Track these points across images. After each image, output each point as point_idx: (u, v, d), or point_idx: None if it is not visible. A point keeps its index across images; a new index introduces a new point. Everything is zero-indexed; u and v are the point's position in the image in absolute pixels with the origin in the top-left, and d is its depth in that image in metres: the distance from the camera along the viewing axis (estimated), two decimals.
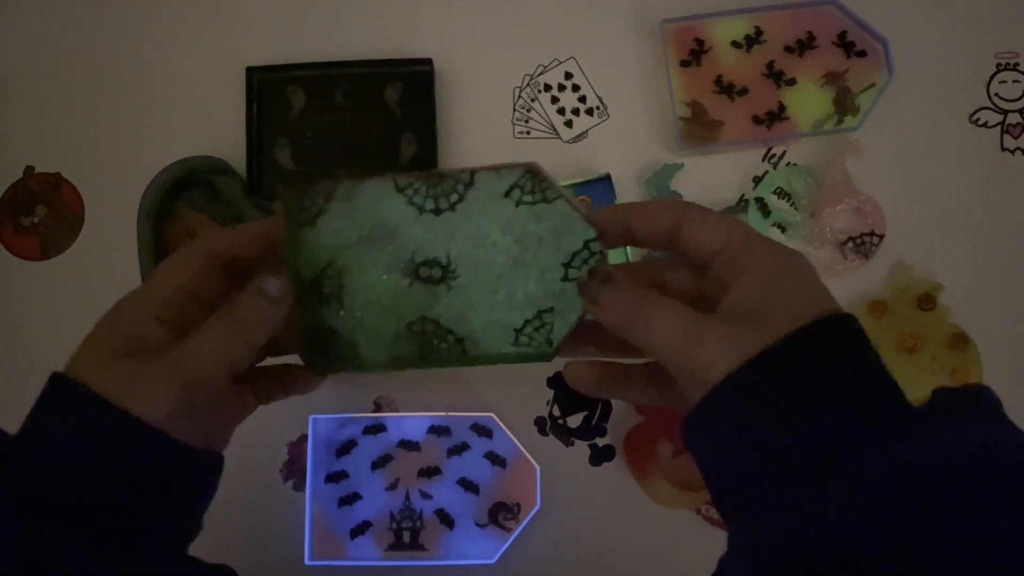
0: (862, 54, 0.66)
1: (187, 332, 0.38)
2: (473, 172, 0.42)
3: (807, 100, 0.66)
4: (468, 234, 0.43)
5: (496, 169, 0.42)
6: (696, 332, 0.33)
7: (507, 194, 0.42)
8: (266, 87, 0.67)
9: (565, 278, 0.42)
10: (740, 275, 0.34)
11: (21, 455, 0.35)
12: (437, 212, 0.43)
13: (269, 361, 0.45)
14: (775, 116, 0.65)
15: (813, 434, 0.30)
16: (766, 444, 0.31)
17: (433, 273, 0.43)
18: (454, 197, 0.43)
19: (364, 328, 0.43)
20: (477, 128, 0.68)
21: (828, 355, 0.32)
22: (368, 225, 0.43)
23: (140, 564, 0.35)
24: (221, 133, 0.67)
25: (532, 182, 0.42)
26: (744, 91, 0.66)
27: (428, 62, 0.66)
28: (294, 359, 0.43)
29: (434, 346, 0.44)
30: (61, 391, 0.36)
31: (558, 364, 0.64)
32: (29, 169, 0.69)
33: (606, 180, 0.64)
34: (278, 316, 0.39)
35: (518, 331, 0.43)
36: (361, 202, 0.43)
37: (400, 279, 0.43)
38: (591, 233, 0.41)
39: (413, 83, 0.66)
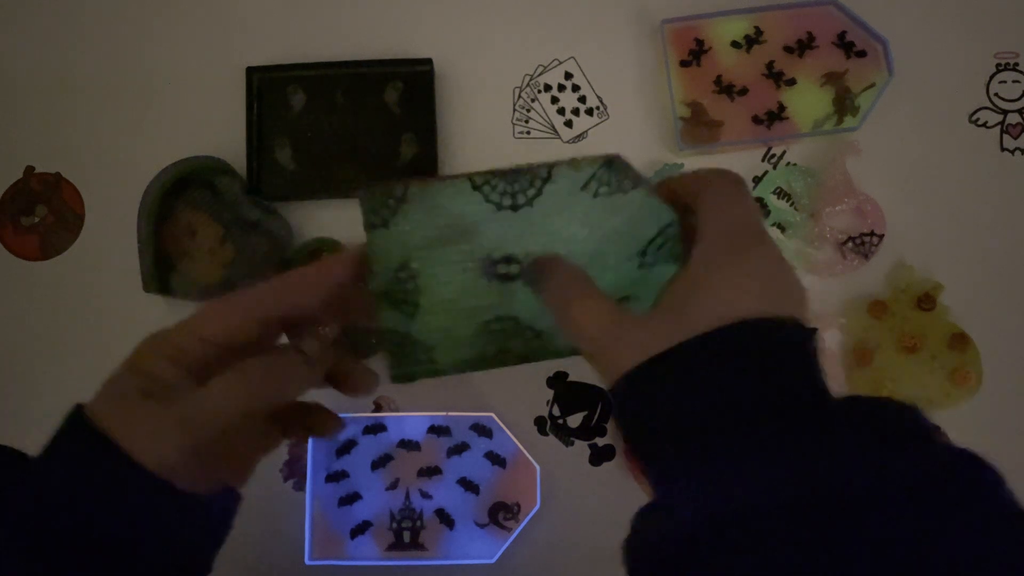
0: (862, 54, 0.66)
1: (209, 376, 0.37)
2: (551, 167, 0.41)
3: (807, 100, 0.66)
4: (546, 229, 0.42)
5: (575, 163, 0.41)
6: (613, 331, 0.35)
7: (584, 187, 0.41)
8: (266, 87, 0.67)
9: (641, 266, 0.42)
10: (689, 261, 0.36)
11: (32, 488, 0.35)
12: (515, 208, 0.41)
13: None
14: (775, 116, 0.65)
15: (682, 425, 0.32)
16: (654, 431, 0.33)
17: (511, 270, 0.42)
18: (531, 192, 0.42)
19: (441, 330, 0.42)
20: (477, 128, 0.68)
21: (719, 357, 0.32)
22: (443, 224, 0.41)
23: None
24: (221, 133, 0.67)
25: (609, 174, 0.41)
26: (744, 91, 0.66)
27: (428, 62, 0.66)
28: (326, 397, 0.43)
29: (513, 343, 0.44)
30: (76, 426, 0.36)
31: (558, 364, 0.65)
32: (29, 169, 0.69)
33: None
34: (312, 375, 0.39)
35: None
36: (435, 201, 0.41)
37: (477, 278, 0.42)
38: (668, 218, 0.41)
39: (413, 83, 0.66)
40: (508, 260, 0.42)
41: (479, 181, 0.41)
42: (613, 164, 0.41)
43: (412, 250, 0.41)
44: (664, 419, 0.32)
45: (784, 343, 0.32)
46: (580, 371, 0.64)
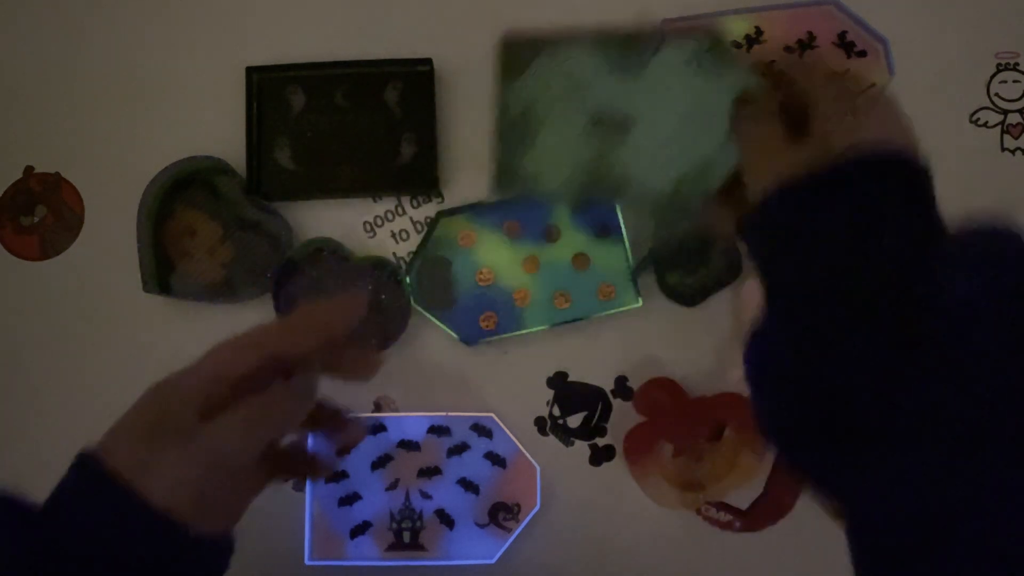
0: (862, 54, 0.66)
1: (214, 414, 0.38)
2: (662, 39, 0.49)
3: None
4: (650, 93, 0.49)
5: (680, 37, 0.48)
6: (770, 151, 0.42)
7: (688, 61, 0.48)
8: (266, 87, 0.67)
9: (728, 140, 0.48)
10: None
11: (43, 528, 0.36)
12: (624, 73, 0.49)
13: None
14: None
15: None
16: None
17: (614, 124, 0.50)
18: (639, 62, 0.49)
19: (548, 163, 0.51)
20: (477, 128, 0.68)
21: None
22: (564, 79, 0.50)
23: None
24: (221, 133, 0.66)
25: (711, 53, 0.48)
26: None
27: (428, 62, 0.66)
28: None
29: (604, 183, 0.51)
30: (86, 467, 0.37)
31: (558, 364, 0.65)
32: (29, 169, 0.69)
33: None
34: (300, 412, 0.41)
35: (680, 178, 0.49)
36: (560, 59, 0.50)
37: (585, 126, 0.50)
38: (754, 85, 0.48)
39: (413, 83, 0.66)
40: (614, 114, 0.50)
41: (600, 46, 0.49)
42: (715, 47, 0.48)
43: (537, 98, 0.50)
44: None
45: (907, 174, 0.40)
46: (580, 371, 0.64)
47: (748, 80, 0.47)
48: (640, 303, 0.63)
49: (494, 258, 0.64)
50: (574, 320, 0.63)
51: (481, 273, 0.64)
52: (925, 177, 0.41)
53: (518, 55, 0.52)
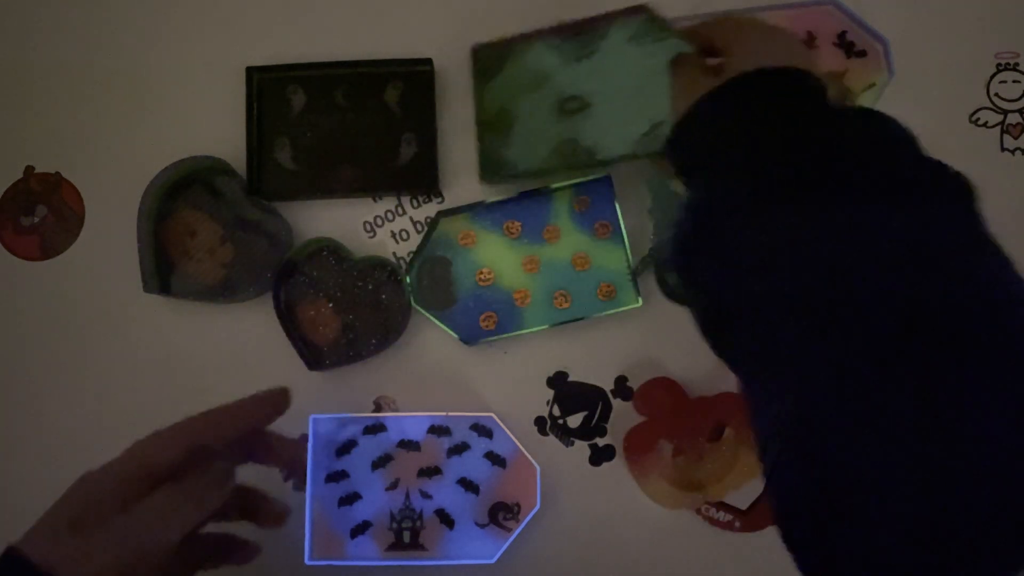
0: (862, 54, 0.66)
1: (131, 504, 0.40)
2: (608, 27, 0.58)
3: None
4: (601, 73, 0.58)
5: (622, 20, 0.57)
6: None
7: (630, 40, 0.57)
8: (266, 87, 0.67)
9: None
10: None
11: None
12: (578, 60, 0.59)
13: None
14: None
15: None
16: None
17: (575, 106, 0.59)
18: (591, 48, 0.58)
19: (523, 150, 0.60)
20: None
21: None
22: (529, 76, 0.60)
23: None
24: (221, 133, 0.66)
25: (648, 26, 0.56)
26: None
27: (428, 62, 0.66)
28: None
29: (573, 157, 0.59)
30: (11, 562, 0.38)
31: (558, 364, 0.65)
32: (29, 169, 0.69)
33: (606, 181, 0.64)
34: (216, 498, 0.43)
35: (636, 141, 0.57)
36: (524, 60, 0.61)
37: (550, 113, 0.60)
38: (689, 50, 0.54)
39: (413, 83, 0.66)
40: (573, 99, 0.59)
41: (555, 42, 0.59)
42: (651, 19, 0.56)
43: (508, 97, 0.61)
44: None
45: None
46: (580, 371, 0.64)
47: (680, 46, 0.54)
48: (640, 303, 0.62)
49: (494, 258, 0.64)
50: (574, 320, 0.63)
51: (481, 273, 0.64)
52: (819, 87, 0.44)
53: (489, 61, 0.62)
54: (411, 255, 0.64)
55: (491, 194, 0.64)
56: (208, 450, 0.44)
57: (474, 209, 0.64)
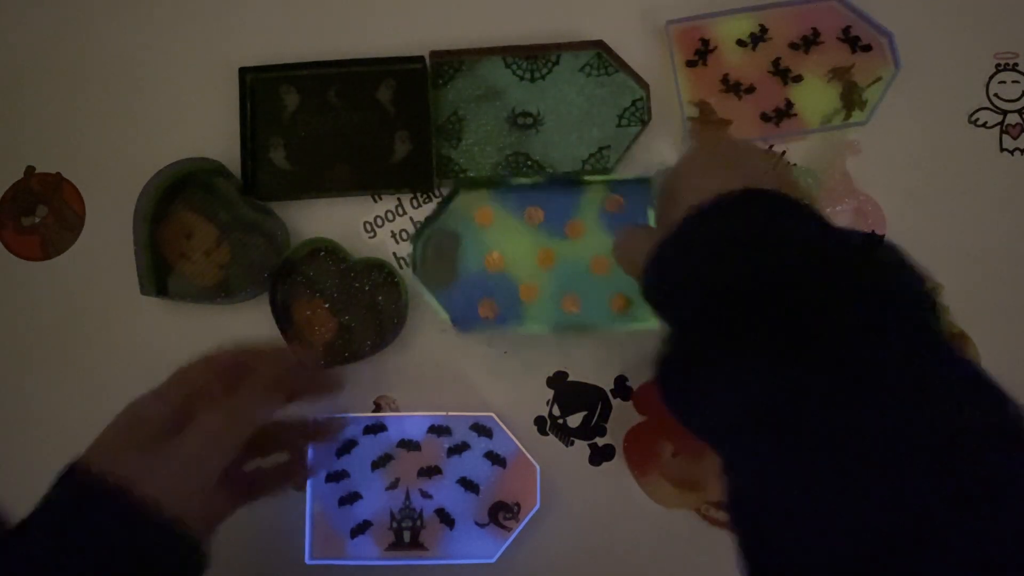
0: (867, 48, 0.66)
1: (183, 426, 0.41)
2: (559, 54, 0.64)
3: (814, 96, 0.66)
4: (553, 95, 0.64)
5: (575, 51, 0.63)
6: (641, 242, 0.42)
7: (581, 69, 0.64)
8: (259, 87, 0.67)
9: (619, 125, 0.63)
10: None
11: (35, 537, 0.37)
12: (532, 80, 0.64)
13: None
14: (783, 113, 0.65)
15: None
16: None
17: (527, 121, 0.63)
18: (544, 70, 0.64)
19: (474, 156, 0.63)
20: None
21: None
22: (483, 88, 0.64)
23: None
24: (215, 134, 0.67)
25: (599, 60, 0.64)
26: (751, 89, 0.66)
27: (421, 60, 0.66)
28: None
29: (522, 170, 0.63)
30: (74, 479, 0.39)
31: (558, 364, 0.65)
32: (30, 169, 0.69)
33: (646, 183, 0.61)
34: (274, 400, 0.45)
35: (584, 160, 0.63)
36: (479, 73, 0.64)
37: (503, 125, 0.64)
38: (639, 94, 0.63)
39: (406, 81, 0.66)
40: (525, 115, 0.64)
41: (509, 61, 0.64)
42: (601, 55, 0.63)
43: (461, 103, 0.63)
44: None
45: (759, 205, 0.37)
46: (580, 371, 0.64)
47: (628, 84, 0.62)
48: (658, 324, 0.54)
49: (508, 243, 0.60)
50: (579, 328, 0.60)
51: (491, 256, 0.60)
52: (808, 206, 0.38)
53: (443, 67, 0.65)
54: (419, 224, 0.62)
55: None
56: (249, 369, 0.45)
57: (497, 186, 0.61)
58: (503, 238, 0.60)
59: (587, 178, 0.60)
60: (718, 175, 0.39)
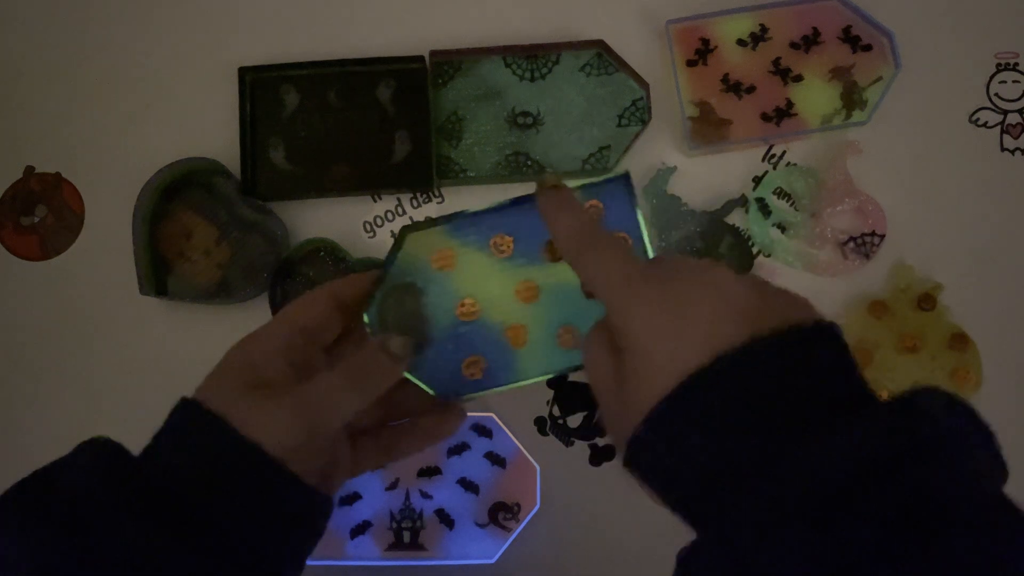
0: (868, 48, 0.66)
1: (308, 373, 0.40)
2: (559, 54, 0.65)
3: (815, 96, 0.66)
4: (553, 95, 0.65)
5: (575, 51, 0.65)
6: (628, 293, 0.33)
7: (582, 68, 0.65)
8: (259, 87, 0.67)
9: (619, 125, 0.65)
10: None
11: (147, 471, 0.36)
12: (532, 79, 0.65)
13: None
14: (783, 113, 0.65)
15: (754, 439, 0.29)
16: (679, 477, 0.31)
17: (527, 121, 0.65)
18: (544, 70, 0.65)
19: (474, 156, 0.64)
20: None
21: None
22: (483, 88, 0.65)
23: None
24: (215, 133, 0.67)
25: (599, 60, 0.65)
26: (751, 89, 0.66)
27: (421, 59, 0.66)
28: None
29: (522, 170, 0.64)
30: (190, 415, 0.37)
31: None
32: (29, 169, 0.69)
33: (623, 181, 0.48)
34: (397, 371, 0.42)
35: (584, 160, 0.64)
36: (479, 72, 0.65)
37: (503, 124, 0.65)
38: (639, 93, 0.64)
39: (406, 81, 0.66)
40: (525, 115, 0.65)
41: (509, 60, 0.65)
42: (601, 55, 0.64)
43: (461, 103, 0.64)
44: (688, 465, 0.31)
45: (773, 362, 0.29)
46: (580, 371, 0.64)
47: (628, 83, 0.63)
48: None
49: (480, 285, 0.48)
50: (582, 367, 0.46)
51: (463, 305, 0.48)
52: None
53: (443, 67, 0.65)
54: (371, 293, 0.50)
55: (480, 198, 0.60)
56: (355, 306, 0.44)
57: (452, 221, 0.47)
58: (473, 280, 0.48)
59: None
60: (681, 313, 0.31)
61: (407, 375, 0.45)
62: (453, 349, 0.47)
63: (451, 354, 0.47)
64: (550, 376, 0.48)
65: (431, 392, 0.46)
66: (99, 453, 0.36)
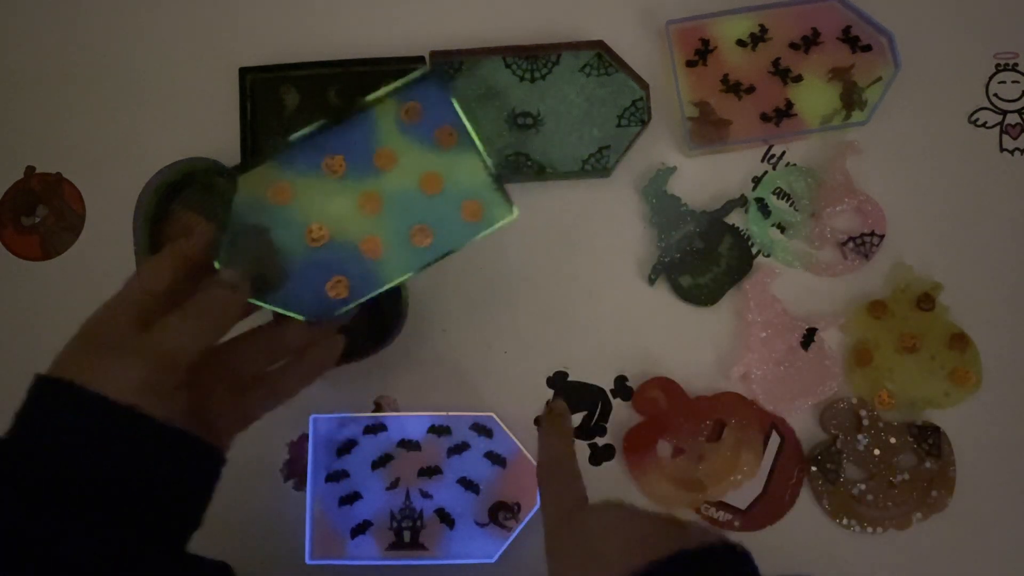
0: (867, 48, 0.66)
1: (152, 322, 0.41)
2: (559, 54, 0.65)
3: (814, 96, 0.66)
4: (553, 95, 0.65)
5: (575, 51, 0.65)
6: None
7: (582, 69, 0.65)
8: (259, 87, 0.67)
9: (619, 125, 0.65)
10: None
11: (13, 450, 0.37)
12: (532, 80, 0.65)
13: None
14: (783, 113, 0.65)
15: None
16: None
17: (527, 121, 0.65)
18: (544, 71, 0.65)
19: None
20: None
21: None
22: (483, 88, 0.65)
23: (132, 550, 0.36)
24: (216, 133, 0.67)
25: (599, 61, 0.65)
26: (751, 89, 0.66)
27: (421, 60, 0.66)
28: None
29: (522, 170, 0.65)
30: (42, 387, 0.39)
31: (558, 364, 0.65)
32: (30, 169, 0.69)
33: (434, 78, 0.51)
34: (236, 300, 0.44)
35: (584, 160, 0.65)
36: (479, 73, 0.65)
37: (503, 125, 0.65)
38: (639, 93, 0.64)
39: None
40: (525, 115, 0.65)
41: (509, 61, 0.65)
42: (601, 55, 0.64)
43: (461, 103, 0.53)
44: None
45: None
46: (580, 371, 0.64)
47: (628, 83, 0.64)
48: (515, 213, 0.50)
49: (323, 208, 0.49)
50: (444, 255, 0.50)
51: (311, 231, 0.49)
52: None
53: (444, 69, 0.65)
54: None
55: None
56: (205, 268, 0.45)
57: (278, 154, 0.49)
58: (314, 205, 0.49)
59: (369, 97, 0.49)
60: (593, 555, 0.38)
61: (273, 307, 0.47)
62: (314, 275, 0.49)
63: (313, 279, 0.48)
64: (411, 275, 0.49)
65: (299, 317, 0.47)
66: None
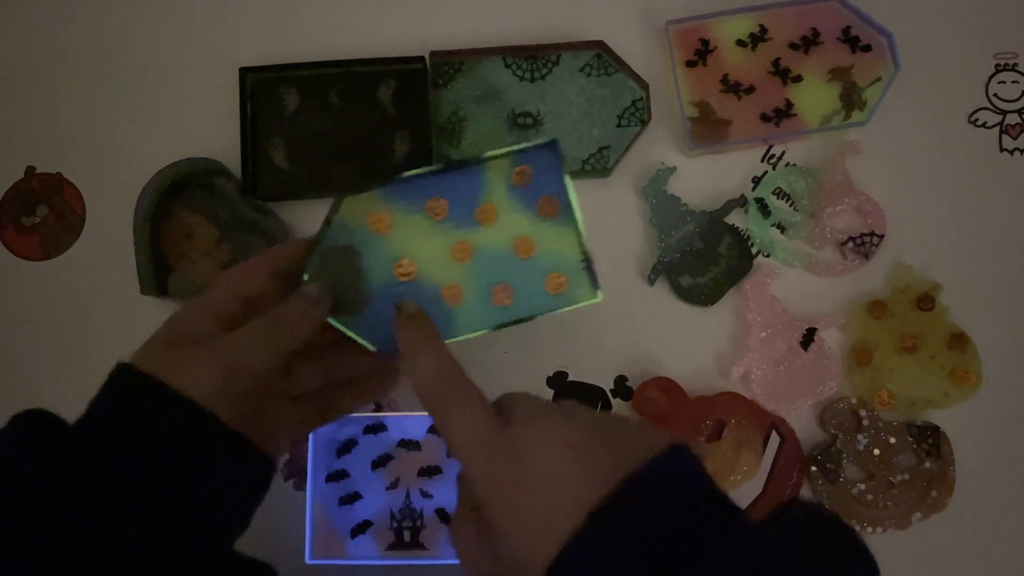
0: (867, 48, 0.66)
1: (236, 326, 0.42)
2: (559, 54, 0.65)
3: (814, 96, 0.66)
4: (553, 95, 0.66)
5: (575, 51, 0.65)
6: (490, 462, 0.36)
7: (581, 69, 0.65)
8: (259, 87, 0.67)
9: (619, 126, 0.65)
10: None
11: (83, 438, 0.37)
12: (532, 80, 0.66)
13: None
14: (783, 113, 0.65)
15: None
16: None
17: (527, 121, 0.65)
18: (544, 71, 0.65)
19: (476, 152, 0.56)
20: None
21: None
22: (483, 88, 0.66)
23: (187, 547, 0.37)
24: (216, 134, 0.67)
25: (599, 61, 0.65)
26: (751, 89, 0.66)
27: (421, 59, 0.66)
28: None
29: None
30: (118, 375, 0.39)
31: (558, 364, 0.65)
32: (30, 169, 0.69)
33: (551, 147, 0.50)
34: (317, 315, 0.44)
35: (584, 160, 0.65)
36: (479, 73, 0.66)
37: (502, 124, 0.65)
38: (639, 93, 0.65)
39: (406, 81, 0.66)
40: (525, 115, 0.66)
41: (509, 61, 0.66)
42: (601, 55, 0.65)
43: (461, 103, 0.65)
44: None
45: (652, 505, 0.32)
46: (580, 371, 0.64)
47: (628, 84, 0.64)
48: (600, 298, 0.50)
49: (416, 246, 0.50)
50: (518, 321, 0.51)
51: (400, 265, 0.50)
52: None
53: (443, 68, 0.65)
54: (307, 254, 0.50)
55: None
56: (292, 278, 0.45)
57: (387, 185, 0.50)
58: (408, 241, 0.50)
59: (487, 154, 0.50)
60: (538, 492, 0.33)
61: (346, 330, 0.47)
62: (392, 308, 0.48)
63: (389, 312, 0.47)
64: (485, 331, 0.49)
65: (370, 347, 0.47)
66: (32, 423, 0.38)
